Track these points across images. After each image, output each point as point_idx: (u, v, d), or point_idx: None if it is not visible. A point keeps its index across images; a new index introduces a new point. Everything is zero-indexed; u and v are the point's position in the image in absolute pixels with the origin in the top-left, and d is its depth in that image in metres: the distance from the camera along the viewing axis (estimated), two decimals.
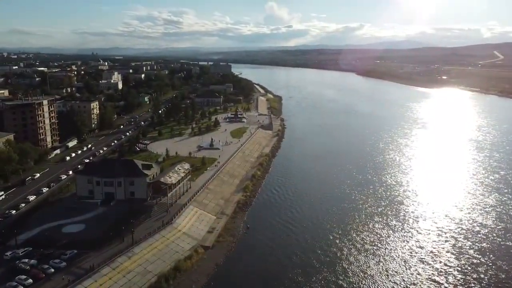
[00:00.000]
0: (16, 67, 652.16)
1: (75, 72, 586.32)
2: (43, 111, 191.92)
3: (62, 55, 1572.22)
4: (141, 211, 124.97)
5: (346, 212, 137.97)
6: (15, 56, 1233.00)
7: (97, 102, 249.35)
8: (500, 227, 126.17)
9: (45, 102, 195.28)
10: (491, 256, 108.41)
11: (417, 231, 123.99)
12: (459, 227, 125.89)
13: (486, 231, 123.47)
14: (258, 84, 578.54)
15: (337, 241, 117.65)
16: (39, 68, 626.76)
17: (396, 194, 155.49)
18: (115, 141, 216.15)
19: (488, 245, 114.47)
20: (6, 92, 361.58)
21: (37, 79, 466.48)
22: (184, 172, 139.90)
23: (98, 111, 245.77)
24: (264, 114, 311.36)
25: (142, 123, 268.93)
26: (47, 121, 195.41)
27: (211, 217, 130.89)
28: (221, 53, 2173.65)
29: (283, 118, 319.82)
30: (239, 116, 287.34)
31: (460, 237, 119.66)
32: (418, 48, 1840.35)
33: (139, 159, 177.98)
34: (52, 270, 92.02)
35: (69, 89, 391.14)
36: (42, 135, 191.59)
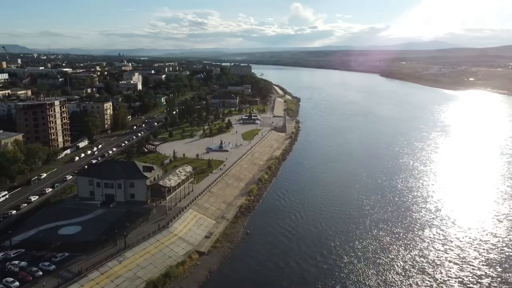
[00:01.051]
0: (43, 67, 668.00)
1: (98, 73, 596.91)
2: (54, 112, 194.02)
3: (90, 56, 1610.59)
4: (139, 214, 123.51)
5: (351, 218, 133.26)
6: (45, 57, 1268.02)
7: (110, 103, 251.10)
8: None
9: (56, 102, 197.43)
10: (497, 267, 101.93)
11: (422, 239, 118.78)
12: (466, 236, 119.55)
13: (496, 240, 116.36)
14: (277, 85, 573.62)
15: (338, 249, 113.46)
16: (65, 69, 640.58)
17: (405, 200, 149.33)
18: (126, 142, 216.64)
19: (496, 256, 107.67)
20: (29, 92, 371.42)
21: (60, 79, 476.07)
22: (185, 175, 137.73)
23: (111, 112, 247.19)
24: (279, 116, 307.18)
25: (156, 124, 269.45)
26: (58, 122, 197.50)
27: (210, 221, 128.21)
28: (244, 54, 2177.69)
29: (299, 120, 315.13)
30: (253, 117, 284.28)
31: (466, 246, 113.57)
32: (446, 49, 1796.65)
33: (147, 160, 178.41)
34: (41, 273, 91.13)
35: (89, 90, 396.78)
36: (53, 135, 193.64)
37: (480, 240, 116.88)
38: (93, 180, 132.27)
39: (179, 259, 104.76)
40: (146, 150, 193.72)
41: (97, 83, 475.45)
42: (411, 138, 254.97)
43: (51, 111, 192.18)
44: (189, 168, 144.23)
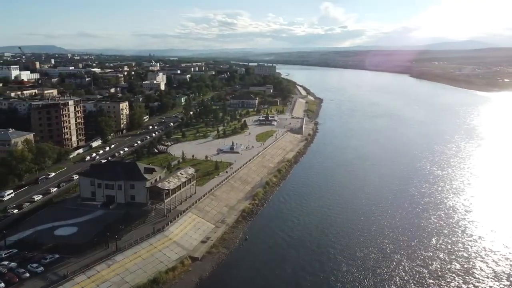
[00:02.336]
0: (73, 67, 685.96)
1: (125, 73, 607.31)
2: (68, 111, 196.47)
3: (121, 56, 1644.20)
4: (137, 216, 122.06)
5: (356, 225, 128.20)
6: (78, 57, 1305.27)
7: (126, 103, 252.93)
8: None
9: (71, 102, 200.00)
10: (504, 280, 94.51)
11: (427, 248, 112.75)
12: (475, 246, 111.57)
13: (507, 252, 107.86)
14: (301, 86, 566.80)
15: (338, 256, 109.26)
16: (94, 69, 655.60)
17: (415, 207, 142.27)
18: (138, 142, 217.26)
19: (504, 269, 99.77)
20: (55, 92, 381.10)
21: (87, 79, 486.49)
22: (186, 177, 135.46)
23: (127, 112, 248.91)
24: (298, 117, 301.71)
25: (171, 124, 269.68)
26: (72, 121, 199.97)
27: (209, 225, 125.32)
28: (273, 54, 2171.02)
29: (318, 122, 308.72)
30: (269, 119, 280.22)
31: (473, 257, 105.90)
32: (482, 49, 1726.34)
33: (155, 161, 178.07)
34: (28, 274, 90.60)
35: (113, 89, 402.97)
36: (67, 134, 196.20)
37: (490, 251, 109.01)
38: (94, 181, 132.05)
39: (171, 264, 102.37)
40: (156, 151, 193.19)
41: (123, 82, 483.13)
42: (432, 142, 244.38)
43: (65, 110, 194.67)
44: (191, 170, 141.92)
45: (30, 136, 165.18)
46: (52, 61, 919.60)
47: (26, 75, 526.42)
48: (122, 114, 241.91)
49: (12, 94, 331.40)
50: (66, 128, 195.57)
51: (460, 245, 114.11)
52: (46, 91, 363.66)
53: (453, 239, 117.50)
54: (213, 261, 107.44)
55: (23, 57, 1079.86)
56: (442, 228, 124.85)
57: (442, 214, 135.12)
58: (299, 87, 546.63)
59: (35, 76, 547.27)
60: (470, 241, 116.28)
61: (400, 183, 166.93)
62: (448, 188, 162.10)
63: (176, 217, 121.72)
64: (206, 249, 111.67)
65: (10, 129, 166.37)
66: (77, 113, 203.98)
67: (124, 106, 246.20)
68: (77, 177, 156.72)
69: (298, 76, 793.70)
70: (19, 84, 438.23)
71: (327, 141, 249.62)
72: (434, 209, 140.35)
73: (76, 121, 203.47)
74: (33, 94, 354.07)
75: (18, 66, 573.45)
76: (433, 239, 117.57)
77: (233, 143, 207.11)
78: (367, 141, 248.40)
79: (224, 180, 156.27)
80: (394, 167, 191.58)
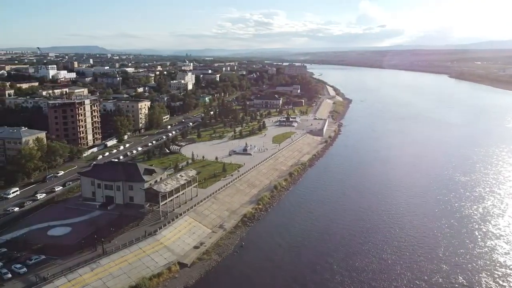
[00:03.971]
0: (108, 67, 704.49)
1: (157, 72, 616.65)
2: (84, 110, 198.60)
3: (159, 56, 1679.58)
4: (133, 218, 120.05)
5: (360, 233, 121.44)
6: (117, 57, 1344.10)
7: (145, 102, 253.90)
8: None
9: (87, 101, 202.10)
10: None
11: (431, 260, 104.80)
12: (482, 261, 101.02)
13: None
14: (332, 86, 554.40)
15: (335, 266, 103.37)
16: (128, 69, 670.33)
17: (426, 217, 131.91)
18: (154, 142, 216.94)
19: None
20: (85, 91, 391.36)
21: (118, 78, 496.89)
22: (186, 179, 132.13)
23: (146, 111, 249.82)
24: (321, 119, 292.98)
25: (190, 124, 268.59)
26: (88, 120, 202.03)
27: (205, 230, 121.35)
28: (308, 53, 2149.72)
29: (342, 123, 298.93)
30: (290, 120, 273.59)
31: (478, 271, 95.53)
32: None
33: (166, 161, 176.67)
34: (10, 275, 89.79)
35: (141, 89, 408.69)
36: (83, 133, 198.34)
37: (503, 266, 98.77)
38: (94, 181, 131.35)
39: (157, 270, 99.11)
40: (168, 151, 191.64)
41: (153, 82, 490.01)
42: (460, 145, 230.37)
43: (81, 109, 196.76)
44: (192, 173, 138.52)
45: (42, 134, 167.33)
46: (91, 61, 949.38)
47: (63, 75, 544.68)
48: (140, 113, 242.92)
49: (44, 93, 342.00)
50: (82, 127, 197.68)
51: (463, 258, 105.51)
52: (76, 90, 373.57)
53: (461, 251, 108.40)
54: (203, 268, 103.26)
55: (66, 57, 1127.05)
56: (450, 242, 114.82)
57: (455, 224, 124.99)
58: (329, 88, 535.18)
59: (72, 75, 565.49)
60: (481, 254, 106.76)
61: (417, 190, 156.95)
62: (467, 196, 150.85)
63: (171, 221, 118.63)
64: (198, 255, 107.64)
65: (22, 127, 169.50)
66: (93, 112, 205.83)
67: (143, 106, 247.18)
68: None
69: (332, 76, 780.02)
70: (54, 83, 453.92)
71: (349, 144, 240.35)
72: (447, 217, 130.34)
73: (92, 120, 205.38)
74: (64, 93, 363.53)
75: (55, 65, 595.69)
76: (438, 251, 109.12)
77: (246, 144, 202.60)
78: (391, 144, 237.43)
79: (229, 183, 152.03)
80: (414, 172, 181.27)
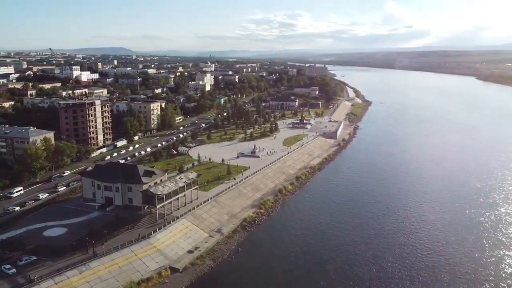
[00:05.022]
0: (130, 68, 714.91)
1: (179, 73, 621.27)
2: (94, 111, 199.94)
3: (183, 58, 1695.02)
4: (129, 221, 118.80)
5: (361, 243, 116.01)
6: (142, 58, 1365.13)
7: (158, 103, 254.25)
8: None
9: (97, 102, 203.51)
10: None
11: (428, 271, 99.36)
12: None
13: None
14: (352, 88, 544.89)
15: (332, 274, 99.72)
16: (150, 70, 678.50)
17: (435, 229, 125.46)
18: (163, 143, 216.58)
19: None
20: (105, 91, 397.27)
21: (138, 79, 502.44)
22: (185, 181, 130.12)
23: (158, 112, 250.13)
24: (336, 121, 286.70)
25: (203, 125, 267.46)
26: (99, 120, 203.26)
27: (202, 234, 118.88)
28: (333, 55, 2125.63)
29: (358, 126, 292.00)
30: (304, 122, 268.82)
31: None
32: None
33: (173, 163, 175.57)
34: None
35: (159, 90, 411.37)
36: (93, 133, 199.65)
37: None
38: (94, 182, 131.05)
39: (147, 274, 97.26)
40: (175, 153, 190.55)
41: (172, 83, 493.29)
42: (479, 150, 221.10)
43: (91, 110, 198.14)
44: (192, 175, 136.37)
45: (50, 134, 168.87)
46: (115, 62, 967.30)
47: (86, 75, 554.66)
48: (152, 114, 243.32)
49: (64, 93, 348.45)
50: (92, 127, 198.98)
51: (473, 267, 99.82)
52: (96, 91, 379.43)
53: (459, 269, 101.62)
54: (194, 273, 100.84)
55: (93, 58, 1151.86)
56: (457, 247, 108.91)
57: (463, 232, 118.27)
58: (349, 89, 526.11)
59: (95, 76, 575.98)
60: (486, 264, 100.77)
61: (428, 196, 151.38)
62: (480, 203, 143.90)
63: (167, 224, 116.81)
64: (191, 260, 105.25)
65: (31, 127, 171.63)
66: (104, 112, 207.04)
67: (155, 107, 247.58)
68: None
69: (355, 77, 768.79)
70: (76, 83, 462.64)
71: (363, 147, 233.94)
72: (455, 225, 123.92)
73: (103, 120, 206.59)
74: (84, 93, 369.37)
75: (79, 66, 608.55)
76: (442, 261, 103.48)
77: (255, 146, 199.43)
78: (407, 147, 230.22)
79: (232, 186, 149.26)
80: (427, 177, 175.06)
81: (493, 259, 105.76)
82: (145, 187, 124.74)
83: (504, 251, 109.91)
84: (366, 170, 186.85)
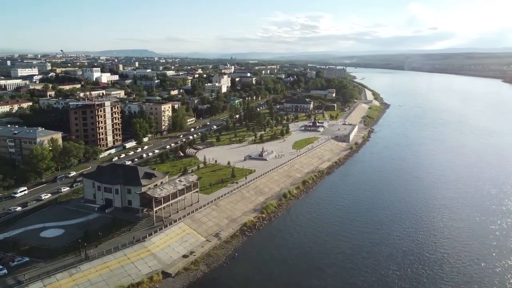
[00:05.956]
0: (150, 70, 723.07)
1: (197, 75, 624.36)
2: (104, 112, 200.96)
3: (204, 60, 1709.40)
4: (126, 223, 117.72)
5: (362, 250, 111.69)
6: (163, 60, 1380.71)
7: (169, 105, 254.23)
8: None
9: (107, 103, 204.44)
10: None
11: (428, 282, 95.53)
12: None
13: None
14: (371, 90, 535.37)
15: (329, 280, 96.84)
16: (169, 72, 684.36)
17: (439, 237, 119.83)
18: (172, 144, 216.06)
19: None
20: (122, 93, 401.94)
21: (156, 81, 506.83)
22: (185, 184, 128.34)
23: (170, 113, 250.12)
24: (350, 124, 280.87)
25: (214, 127, 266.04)
26: (108, 121, 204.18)
27: (199, 238, 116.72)
28: (355, 57, 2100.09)
29: (373, 129, 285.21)
30: (317, 124, 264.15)
31: None
32: None
33: (179, 165, 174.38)
34: None
35: (175, 91, 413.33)
36: (102, 134, 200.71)
37: None
38: (95, 183, 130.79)
39: (138, 279, 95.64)
40: (182, 155, 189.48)
41: (189, 84, 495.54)
42: (497, 155, 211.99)
43: (101, 111, 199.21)
44: (193, 178, 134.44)
45: (57, 135, 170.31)
46: (136, 63, 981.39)
47: (106, 77, 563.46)
48: (163, 115, 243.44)
49: (81, 94, 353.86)
50: (101, 128, 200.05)
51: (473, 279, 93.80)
52: (113, 92, 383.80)
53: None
54: (187, 279, 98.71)
55: (116, 60, 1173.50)
56: (460, 259, 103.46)
57: (470, 243, 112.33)
58: (368, 92, 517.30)
59: (115, 78, 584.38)
60: (490, 276, 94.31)
61: (438, 203, 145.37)
62: (493, 210, 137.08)
63: (164, 227, 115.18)
64: (184, 265, 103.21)
65: (39, 128, 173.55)
66: (113, 114, 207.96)
67: (166, 108, 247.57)
68: None
69: (375, 80, 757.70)
70: (95, 85, 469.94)
71: (376, 151, 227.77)
72: (463, 235, 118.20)
73: (112, 121, 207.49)
74: (101, 94, 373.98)
75: (99, 68, 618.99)
76: (444, 272, 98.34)
77: (263, 149, 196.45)
78: (421, 152, 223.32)
79: (235, 189, 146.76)
80: (439, 182, 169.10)
81: (498, 269, 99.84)
82: (144, 189, 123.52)
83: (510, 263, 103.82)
84: (376, 175, 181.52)
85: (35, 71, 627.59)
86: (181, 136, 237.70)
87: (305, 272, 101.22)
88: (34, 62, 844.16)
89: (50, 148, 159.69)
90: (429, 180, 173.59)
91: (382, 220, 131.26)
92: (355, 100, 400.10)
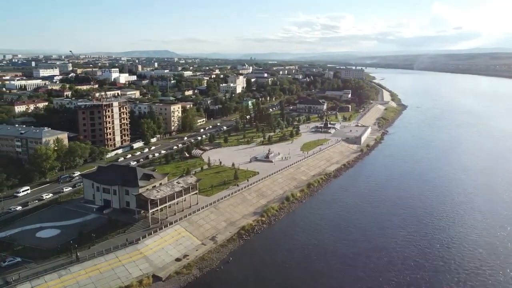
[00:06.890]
0: (167, 70, 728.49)
1: (214, 75, 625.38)
2: (112, 112, 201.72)
3: (224, 60, 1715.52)
4: (122, 224, 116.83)
5: (362, 256, 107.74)
6: (183, 61, 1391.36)
7: (179, 105, 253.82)
8: None
9: (115, 103, 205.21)
10: None
11: None
12: None
13: None
14: (390, 91, 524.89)
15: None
16: (185, 72, 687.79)
17: (443, 245, 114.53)
18: (180, 145, 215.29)
19: None
20: (137, 93, 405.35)
21: (172, 81, 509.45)
22: (183, 186, 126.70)
23: (179, 114, 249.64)
24: (363, 125, 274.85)
25: (224, 127, 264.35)
26: (116, 122, 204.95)
27: (194, 241, 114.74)
28: (376, 57, 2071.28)
29: (387, 131, 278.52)
30: (328, 126, 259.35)
31: None
32: None
33: (183, 166, 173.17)
34: None
35: (189, 91, 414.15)
36: (110, 134, 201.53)
37: None
38: (94, 184, 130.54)
39: (127, 282, 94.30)
40: (187, 155, 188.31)
41: (205, 85, 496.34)
42: None
43: (108, 111, 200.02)
44: (191, 180, 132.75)
45: (63, 135, 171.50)
46: (155, 64, 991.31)
47: (124, 77, 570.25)
48: (173, 116, 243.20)
49: (97, 94, 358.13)
50: (109, 129, 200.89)
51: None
52: (128, 92, 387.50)
53: None
54: (178, 283, 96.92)
55: (137, 60, 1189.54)
56: (461, 270, 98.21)
57: (475, 252, 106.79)
58: (386, 93, 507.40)
59: (133, 78, 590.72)
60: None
61: (447, 208, 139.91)
62: (505, 215, 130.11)
63: (159, 229, 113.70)
64: (176, 269, 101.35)
65: (45, 128, 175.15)
66: (122, 114, 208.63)
67: (176, 108, 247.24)
68: None
69: (396, 80, 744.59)
70: (112, 85, 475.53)
71: (388, 153, 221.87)
72: (471, 244, 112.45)
73: (120, 122, 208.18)
74: (116, 94, 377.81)
75: (118, 68, 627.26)
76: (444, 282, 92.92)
77: (269, 151, 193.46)
78: (435, 154, 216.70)
79: (236, 191, 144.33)
80: (451, 186, 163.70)
81: (501, 278, 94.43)
82: (141, 190, 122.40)
83: None
84: (385, 178, 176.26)
85: (56, 71, 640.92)
86: (186, 138, 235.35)
87: (300, 277, 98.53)
88: (58, 63, 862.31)
89: (56, 148, 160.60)
90: (441, 183, 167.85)
91: (384, 226, 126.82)
92: (371, 101, 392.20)
